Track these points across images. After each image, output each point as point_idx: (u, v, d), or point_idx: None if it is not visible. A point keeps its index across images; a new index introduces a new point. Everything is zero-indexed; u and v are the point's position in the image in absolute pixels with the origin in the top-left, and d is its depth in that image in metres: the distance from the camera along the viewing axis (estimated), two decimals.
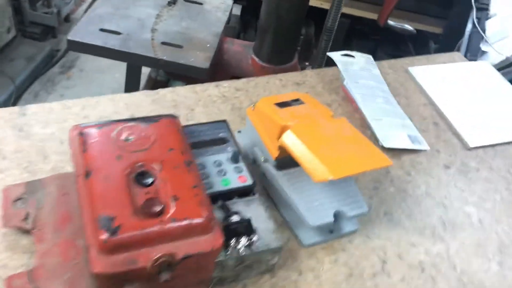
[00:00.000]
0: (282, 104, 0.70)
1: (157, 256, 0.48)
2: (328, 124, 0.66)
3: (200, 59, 1.21)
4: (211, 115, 0.80)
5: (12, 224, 0.58)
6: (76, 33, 1.21)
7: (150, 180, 0.53)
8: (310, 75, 0.93)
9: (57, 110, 0.75)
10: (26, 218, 0.59)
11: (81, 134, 0.56)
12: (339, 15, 1.23)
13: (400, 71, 0.99)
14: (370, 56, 0.95)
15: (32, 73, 2.40)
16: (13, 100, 2.28)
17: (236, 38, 1.52)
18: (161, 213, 0.50)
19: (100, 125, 0.57)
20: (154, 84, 1.55)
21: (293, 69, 1.31)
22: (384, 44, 1.95)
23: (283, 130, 0.65)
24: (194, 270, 0.52)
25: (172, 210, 0.50)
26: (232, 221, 0.57)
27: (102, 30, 1.23)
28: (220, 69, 1.34)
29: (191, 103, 0.82)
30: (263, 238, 0.58)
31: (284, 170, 0.68)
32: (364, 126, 0.84)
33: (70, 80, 2.49)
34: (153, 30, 1.27)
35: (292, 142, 0.62)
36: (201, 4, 1.41)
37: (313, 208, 0.64)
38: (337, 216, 0.65)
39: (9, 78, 2.29)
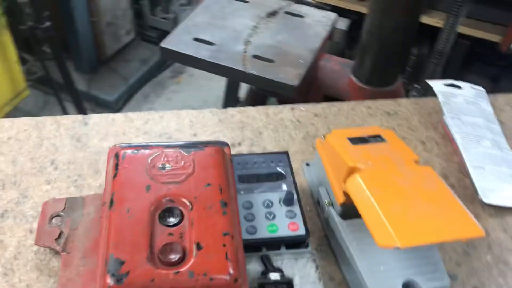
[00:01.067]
0: (357, 140, 0.59)
1: None
2: (408, 172, 0.54)
3: (290, 76, 1.12)
4: (279, 142, 0.71)
5: (43, 242, 0.55)
6: (170, 41, 1.20)
7: (175, 220, 0.46)
8: (405, 104, 0.80)
9: (119, 122, 0.72)
10: (58, 237, 0.55)
11: (117, 156, 0.50)
12: (453, 36, 1.07)
13: None
14: (482, 89, 0.80)
15: (144, 75, 2.50)
16: (124, 99, 2.39)
17: (339, 55, 1.41)
18: (180, 262, 0.42)
19: (139, 148, 0.51)
20: (253, 97, 1.50)
21: (394, 93, 1.17)
22: (511, 70, 1.70)
23: (351, 172, 0.54)
24: None
25: (192, 261, 0.42)
26: (270, 280, 0.48)
27: (196, 39, 1.20)
28: (313, 88, 1.24)
29: (260, 126, 0.74)
30: None
31: (350, 219, 0.57)
32: (464, 173, 0.69)
33: (179, 85, 2.56)
34: (247, 42, 1.21)
35: (358, 190, 0.51)
36: (302, 17, 1.33)
37: (378, 273, 0.53)
38: (408, 286, 0.52)
39: (123, 78, 2.41)
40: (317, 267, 0.51)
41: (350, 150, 0.57)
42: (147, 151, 0.51)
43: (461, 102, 0.75)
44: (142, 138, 0.70)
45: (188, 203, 0.47)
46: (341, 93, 1.22)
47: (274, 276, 0.48)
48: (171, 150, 0.51)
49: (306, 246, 0.53)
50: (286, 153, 0.60)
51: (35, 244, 0.54)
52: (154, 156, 0.50)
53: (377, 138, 0.59)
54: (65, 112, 2.11)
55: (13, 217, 0.58)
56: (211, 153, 0.51)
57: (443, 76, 1.65)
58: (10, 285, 0.52)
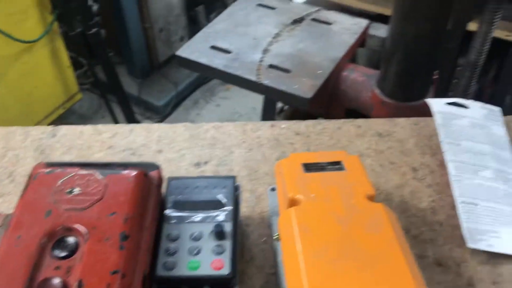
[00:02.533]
0: (312, 167, 0.52)
1: None
2: (354, 209, 0.46)
3: (305, 87, 1.05)
4: (250, 162, 0.65)
5: None
6: (186, 49, 1.17)
7: (67, 252, 0.41)
8: (403, 124, 0.71)
9: (87, 135, 0.69)
10: None
11: (30, 175, 0.47)
12: (488, 44, 0.94)
13: None
14: (497, 109, 0.68)
15: (194, 82, 2.51)
16: (173, 105, 2.42)
17: (376, 64, 1.31)
18: None
19: (55, 167, 0.48)
20: (293, 111, 1.44)
21: (422, 109, 1.05)
22: None
23: (291, 204, 0.48)
24: None
25: None
26: None
27: (212, 47, 1.17)
28: (335, 100, 1.16)
29: (233, 144, 0.68)
30: None
31: None
32: (456, 210, 0.59)
33: (228, 92, 2.55)
34: (265, 51, 1.15)
35: (287, 227, 0.45)
36: (329, 24, 1.25)
37: None
38: None
39: (173, 84, 2.44)
40: None
41: (298, 178, 0.50)
42: (61, 172, 0.47)
43: (465, 125, 0.65)
44: (104, 153, 0.67)
45: (85, 233, 0.42)
46: (364, 107, 1.13)
47: None
48: (86, 172, 0.47)
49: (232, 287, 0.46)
50: (233, 178, 0.54)
51: None
52: (66, 178, 0.47)
53: (336, 165, 0.52)
54: (113, 116, 2.17)
55: None
56: (127, 178, 0.47)
57: (491, 91, 1.49)
58: None
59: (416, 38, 0.94)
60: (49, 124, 1.87)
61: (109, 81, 2.10)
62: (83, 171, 0.47)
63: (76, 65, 2.17)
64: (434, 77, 1.12)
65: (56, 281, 0.39)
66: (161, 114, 2.35)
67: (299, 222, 0.44)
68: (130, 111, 2.16)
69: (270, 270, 0.54)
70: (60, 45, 2.00)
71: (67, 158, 0.66)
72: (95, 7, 2.10)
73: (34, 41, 1.80)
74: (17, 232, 0.42)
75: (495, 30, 0.96)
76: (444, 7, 0.92)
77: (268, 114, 1.84)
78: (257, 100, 2.46)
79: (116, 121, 2.16)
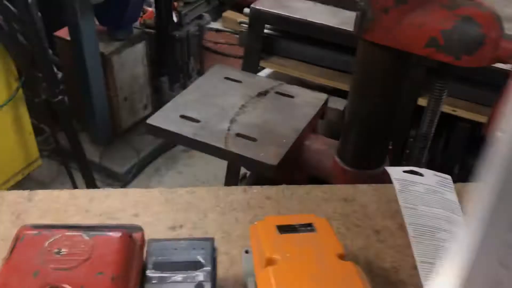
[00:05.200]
0: (285, 228, 0.56)
1: None
2: (326, 267, 0.50)
3: (271, 155, 1.11)
4: (223, 225, 0.69)
5: None
6: (156, 118, 1.22)
7: None
8: (365, 191, 0.77)
9: (63, 199, 0.71)
10: None
11: (16, 237, 0.49)
12: (436, 118, 1.04)
13: None
14: (448, 177, 0.76)
15: (157, 149, 2.54)
16: (135, 172, 2.42)
17: (335, 135, 1.39)
18: None
19: (42, 229, 0.50)
20: (256, 178, 1.49)
21: (380, 177, 1.13)
22: None
23: (268, 263, 0.51)
24: None
25: None
26: None
27: (182, 116, 1.22)
28: (298, 168, 1.22)
29: (207, 208, 0.71)
30: None
31: None
32: (416, 269, 0.64)
33: (190, 159, 2.58)
34: (232, 121, 1.21)
35: (265, 285, 0.48)
36: (292, 97, 1.33)
37: None
38: None
39: (135, 151, 2.45)
40: None
41: (273, 239, 0.54)
42: (48, 233, 0.49)
43: (421, 191, 0.71)
44: (81, 217, 0.68)
45: None
46: (326, 174, 1.19)
47: None
48: (73, 233, 0.49)
49: None
50: (211, 240, 0.57)
51: None
52: (53, 239, 0.48)
53: (307, 227, 0.56)
54: (74, 183, 2.15)
55: None
56: (113, 239, 0.49)
57: (442, 160, 1.60)
58: None
59: (371, 113, 1.03)
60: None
61: (71, 148, 2.10)
62: (70, 233, 0.49)
63: (37, 131, 2.17)
64: (389, 147, 1.20)
65: None
66: (122, 181, 2.34)
67: (276, 280, 0.47)
68: (91, 178, 2.15)
69: None
70: (24, 111, 2.00)
71: (43, 222, 0.67)
72: (59, 75, 2.14)
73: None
74: None
75: (442, 105, 1.06)
76: (396, 86, 1.02)
77: (231, 181, 1.88)
78: (219, 167, 2.51)
79: (76, 188, 2.14)
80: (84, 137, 2.41)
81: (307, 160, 1.21)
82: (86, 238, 0.49)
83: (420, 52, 0.89)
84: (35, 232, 0.49)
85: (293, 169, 1.23)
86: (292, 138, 1.17)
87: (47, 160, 2.33)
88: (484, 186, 0.32)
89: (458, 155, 1.54)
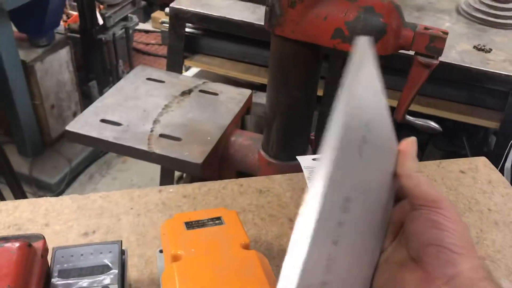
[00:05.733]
0: (193, 224, 0.56)
1: None
2: (230, 257, 0.51)
3: (195, 154, 1.11)
4: (138, 227, 0.68)
5: None
6: (76, 123, 1.19)
7: None
8: (279, 181, 0.79)
9: None
10: None
11: None
12: None
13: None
14: None
15: (89, 156, 2.48)
16: (67, 181, 2.35)
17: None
18: None
19: None
20: (191, 178, 1.48)
21: None
22: (438, 138, 1.72)
23: (173, 260, 0.51)
24: None
25: None
26: None
27: (102, 120, 1.19)
28: (225, 164, 1.23)
29: (121, 211, 0.71)
30: None
31: None
32: None
33: (125, 164, 2.54)
34: (156, 122, 1.21)
35: (169, 282, 0.48)
36: (216, 94, 1.34)
37: None
38: None
39: (66, 160, 2.38)
40: None
41: (180, 235, 0.54)
42: None
43: None
44: None
45: None
46: (252, 168, 1.21)
47: None
48: None
49: None
50: (118, 243, 0.57)
51: None
52: None
53: (216, 220, 0.57)
54: (2, 198, 2.05)
55: None
56: (10, 250, 0.48)
57: None
58: None
59: (289, 105, 1.05)
60: None
61: None
62: None
63: None
64: (312, 137, 1.24)
65: None
66: (54, 192, 2.27)
67: (179, 274, 0.48)
68: (21, 191, 2.07)
69: None
70: None
71: None
72: None
73: None
74: None
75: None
76: (310, 77, 1.05)
77: (167, 182, 1.86)
78: (154, 171, 2.48)
79: None
80: (12, 149, 2.31)
81: (233, 156, 1.22)
82: None
83: (327, 44, 0.92)
84: None
85: (221, 165, 1.24)
86: (217, 135, 1.18)
87: None
88: (318, 172, 0.34)
89: None
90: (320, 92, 1.37)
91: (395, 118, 1.20)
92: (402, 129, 1.71)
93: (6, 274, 0.45)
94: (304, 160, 0.75)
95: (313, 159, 0.76)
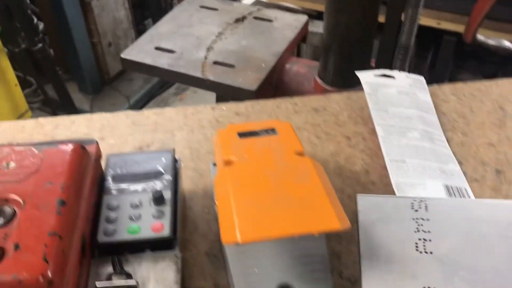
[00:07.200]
0: (246, 134, 0.54)
1: None
2: (284, 164, 0.48)
3: (250, 80, 1.08)
4: (192, 143, 0.67)
5: None
6: (131, 51, 1.19)
7: (3, 220, 0.42)
8: (336, 100, 0.75)
9: (28, 128, 0.70)
10: None
11: None
12: (415, 28, 1.00)
13: (469, 98, 0.75)
14: (421, 78, 0.73)
15: (147, 94, 2.51)
16: None
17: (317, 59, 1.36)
18: None
19: None
20: None
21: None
22: (509, 67, 1.59)
23: (225, 165, 0.50)
24: None
25: (4, 262, 0.39)
26: (112, 285, 0.43)
27: (157, 48, 1.19)
28: (279, 93, 1.20)
29: (175, 127, 0.70)
30: None
31: None
32: (387, 170, 0.63)
33: (182, 102, 2.56)
34: (209, 49, 1.18)
35: (221, 184, 0.47)
36: (271, 21, 1.29)
37: (251, 276, 0.47)
38: None
39: (125, 97, 2.43)
40: (177, 270, 0.46)
41: (232, 143, 0.52)
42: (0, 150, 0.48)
43: (392, 93, 0.69)
44: None
45: (22, 202, 0.43)
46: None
47: (116, 280, 0.44)
48: (22, 148, 0.48)
49: (172, 248, 0.48)
50: (171, 151, 0.56)
51: None
52: (3, 154, 0.47)
53: (269, 131, 0.55)
54: None
55: None
56: (64, 151, 0.48)
57: (430, 78, 1.57)
58: None
59: (349, 27, 0.99)
60: None
61: (60, 98, 2.08)
62: (19, 148, 0.48)
63: (24, 84, 2.14)
64: (372, 64, 1.17)
65: None
66: None
67: (231, 178, 0.46)
68: None
69: (213, 237, 0.56)
70: (6, 63, 1.96)
71: None
72: (41, 26, 2.09)
73: None
74: None
75: (422, 17, 1.02)
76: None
77: None
78: None
79: None
80: (73, 87, 2.38)
81: (288, 83, 1.19)
82: (36, 152, 0.48)
83: None
84: None
85: (274, 94, 1.21)
86: (271, 62, 1.14)
87: (38, 112, 2.31)
88: None
89: (446, 71, 1.51)
90: (382, 19, 1.28)
91: (465, 39, 1.10)
92: (467, 60, 1.60)
93: (60, 173, 0.46)
94: (364, 76, 0.70)
95: (377, 75, 0.71)
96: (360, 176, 0.62)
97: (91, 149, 0.51)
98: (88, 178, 0.48)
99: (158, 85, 2.57)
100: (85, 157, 0.49)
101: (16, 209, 0.43)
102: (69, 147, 0.48)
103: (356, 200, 0.57)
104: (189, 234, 0.56)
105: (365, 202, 0.56)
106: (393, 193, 0.59)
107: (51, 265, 0.39)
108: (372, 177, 0.62)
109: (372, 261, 0.51)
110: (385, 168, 0.63)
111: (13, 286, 0.38)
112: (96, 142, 0.52)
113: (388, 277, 0.49)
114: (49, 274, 0.38)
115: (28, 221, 0.42)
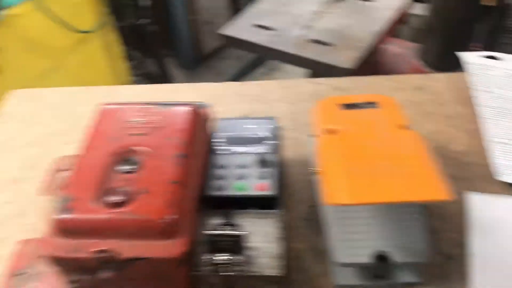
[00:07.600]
0: (347, 106, 0.56)
1: (99, 249, 0.43)
2: (388, 136, 0.50)
3: (348, 59, 1.09)
4: (292, 114, 0.70)
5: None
6: (230, 28, 1.23)
7: (131, 167, 0.48)
8: (439, 79, 0.74)
9: (149, 92, 0.76)
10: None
11: (101, 111, 0.54)
12: None
13: None
14: None
15: (240, 72, 2.58)
16: None
17: (416, 41, 1.33)
18: (122, 204, 0.44)
19: (121, 105, 0.55)
20: None
21: None
22: None
23: (327, 134, 0.52)
24: (153, 277, 0.45)
25: (134, 204, 0.44)
26: (219, 233, 0.48)
27: (256, 25, 1.22)
28: (376, 72, 1.19)
29: (275, 99, 0.73)
30: (258, 262, 0.47)
31: None
32: (488, 152, 0.61)
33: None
34: (308, 27, 1.20)
35: (324, 149, 0.49)
36: (370, 1, 1.28)
37: (349, 242, 0.50)
38: (381, 257, 0.48)
39: (219, 74, 2.52)
40: (280, 228, 0.49)
41: (333, 114, 0.55)
42: (126, 108, 0.54)
43: (499, 75, 0.67)
44: None
45: (147, 153, 0.48)
46: None
47: (227, 230, 0.48)
48: (150, 106, 0.53)
49: (275, 208, 0.51)
50: (275, 118, 0.59)
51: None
52: (131, 111, 0.53)
53: (371, 104, 0.56)
54: None
55: None
56: (183, 111, 0.53)
57: None
58: None
59: (454, 11, 0.97)
60: None
61: (160, 73, 2.20)
62: (147, 106, 0.54)
63: (128, 57, 2.29)
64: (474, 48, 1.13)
65: (122, 188, 0.45)
66: None
67: (338, 144, 0.49)
68: None
69: (309, 203, 0.59)
70: (114, 37, 2.11)
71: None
72: (148, 2, 2.21)
73: (91, 32, 1.91)
74: (90, 153, 0.49)
75: None
76: None
77: None
78: None
79: None
80: (171, 62, 2.50)
81: (385, 64, 1.18)
82: (162, 110, 0.53)
83: None
84: (113, 106, 0.54)
85: (371, 73, 1.20)
86: (370, 42, 1.14)
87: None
88: None
89: None
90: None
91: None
92: None
93: (180, 130, 0.50)
94: (469, 57, 0.68)
95: (483, 56, 0.69)
96: (461, 157, 0.62)
97: (203, 111, 0.55)
98: (202, 137, 0.53)
99: (249, 64, 2.62)
100: (200, 118, 0.54)
101: (142, 158, 0.48)
102: (186, 108, 0.53)
103: (465, 198, 0.57)
104: (287, 198, 0.59)
105: (477, 201, 0.56)
106: (491, 176, 0.58)
107: (174, 209, 0.44)
108: (472, 158, 0.62)
109: (486, 264, 0.50)
110: (485, 149, 0.62)
111: (141, 224, 0.43)
112: (208, 106, 0.56)
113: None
114: (172, 217, 0.43)
115: (154, 170, 0.47)
